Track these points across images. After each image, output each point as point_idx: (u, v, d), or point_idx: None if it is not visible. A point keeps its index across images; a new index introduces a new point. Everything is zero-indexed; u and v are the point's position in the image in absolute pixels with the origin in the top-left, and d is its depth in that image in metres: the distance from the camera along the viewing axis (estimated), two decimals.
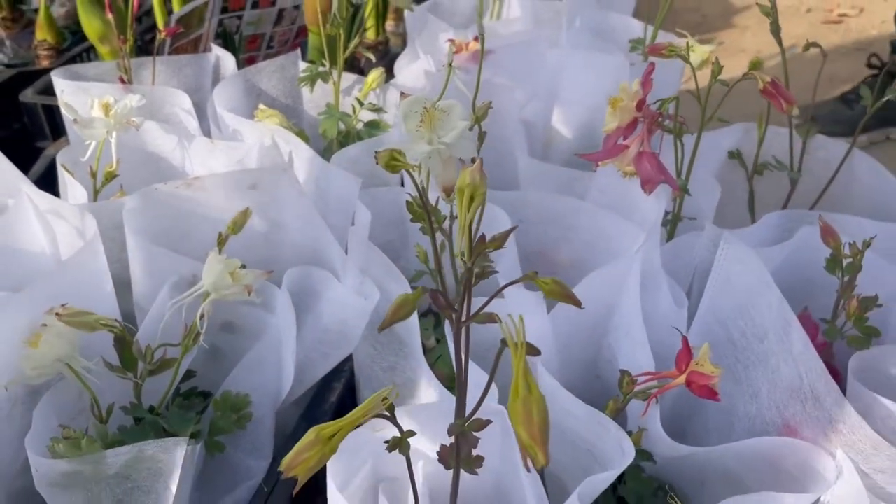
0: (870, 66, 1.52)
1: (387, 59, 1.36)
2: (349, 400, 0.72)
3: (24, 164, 0.80)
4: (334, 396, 0.70)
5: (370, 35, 1.36)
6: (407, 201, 0.57)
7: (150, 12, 1.39)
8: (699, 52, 0.93)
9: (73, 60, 1.20)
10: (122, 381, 0.61)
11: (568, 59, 0.97)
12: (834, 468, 0.49)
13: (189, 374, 0.68)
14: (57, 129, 1.06)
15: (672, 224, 0.71)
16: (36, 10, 1.54)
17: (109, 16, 0.84)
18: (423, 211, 0.47)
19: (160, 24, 1.22)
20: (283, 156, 0.74)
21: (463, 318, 0.37)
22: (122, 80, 0.83)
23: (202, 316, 0.61)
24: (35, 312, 0.57)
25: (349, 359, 0.70)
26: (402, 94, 0.59)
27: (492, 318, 0.34)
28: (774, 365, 0.54)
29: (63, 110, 0.71)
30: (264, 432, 0.65)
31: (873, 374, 0.55)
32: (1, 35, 1.35)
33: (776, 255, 0.65)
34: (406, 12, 1.09)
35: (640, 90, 0.67)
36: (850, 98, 1.50)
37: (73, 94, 0.81)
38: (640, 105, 0.67)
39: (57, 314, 0.57)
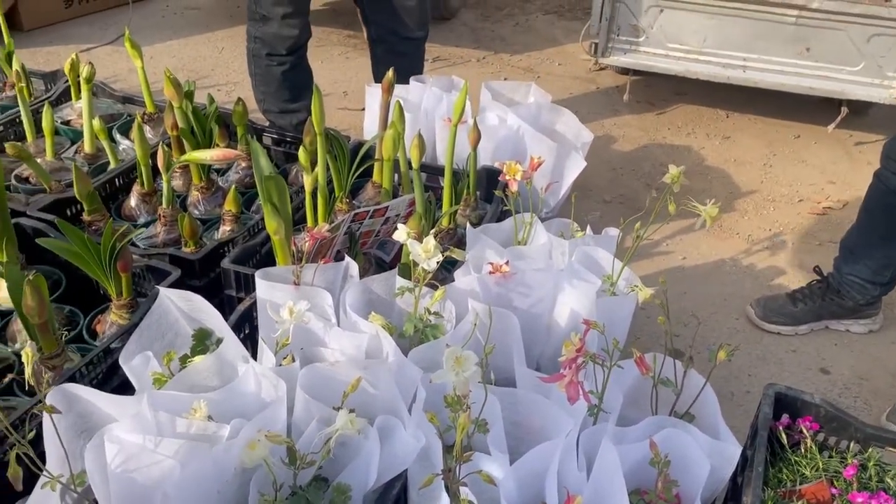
0: (815, 272, 2.00)
1: (455, 238, 1.95)
2: (403, 493, 1.27)
3: (214, 301, 1.40)
4: (396, 490, 1.25)
5: (444, 222, 1.95)
6: (444, 396, 1.13)
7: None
8: (644, 293, 1.47)
9: (248, 231, 1.83)
10: (288, 470, 1.18)
11: (563, 280, 1.53)
12: None
13: (317, 468, 1.25)
14: (240, 284, 1.68)
15: (595, 415, 1.25)
16: (219, 172, 2.20)
17: (293, 249, 1.44)
18: (454, 403, 1.05)
19: (310, 223, 1.83)
20: (384, 348, 1.31)
21: (453, 482, 0.92)
22: (295, 283, 1.43)
23: (331, 439, 1.18)
24: (252, 432, 1.15)
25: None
26: (448, 346, 1.15)
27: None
28: None
29: (270, 314, 1.30)
30: None
31: None
32: (199, 198, 2.01)
33: (643, 447, 1.17)
34: (468, 230, 1.68)
35: (579, 342, 1.21)
36: (798, 297, 1.98)
37: (266, 290, 1.41)
38: (579, 350, 1.21)
39: (266, 435, 1.15)
